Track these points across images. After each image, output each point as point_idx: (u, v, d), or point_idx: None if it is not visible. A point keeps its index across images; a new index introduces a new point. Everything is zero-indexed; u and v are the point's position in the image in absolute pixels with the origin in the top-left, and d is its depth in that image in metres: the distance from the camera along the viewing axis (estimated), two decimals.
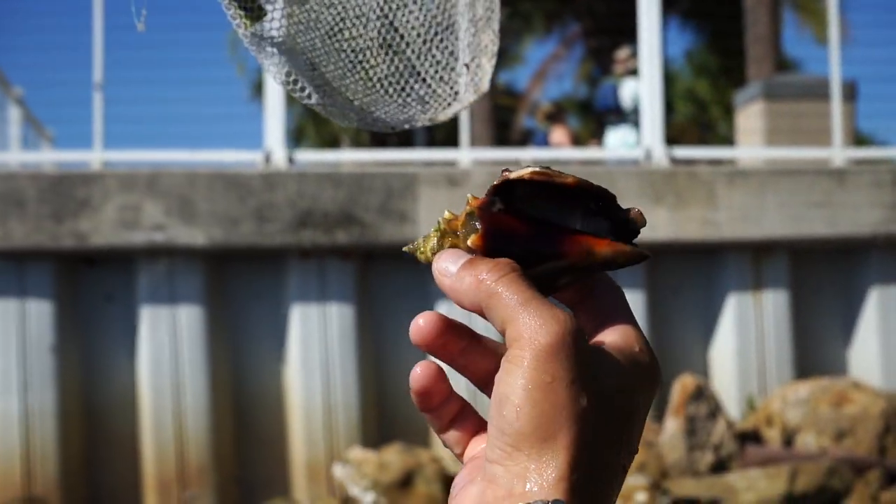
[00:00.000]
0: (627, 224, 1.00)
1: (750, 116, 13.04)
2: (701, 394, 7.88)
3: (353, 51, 1.89)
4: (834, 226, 8.92)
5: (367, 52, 1.90)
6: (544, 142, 14.99)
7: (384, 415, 8.66)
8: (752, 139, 12.77)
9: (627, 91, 13.11)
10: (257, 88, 27.27)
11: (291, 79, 1.83)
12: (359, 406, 8.51)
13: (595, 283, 1.01)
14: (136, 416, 8.39)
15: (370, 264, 8.69)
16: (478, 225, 0.98)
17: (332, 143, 28.16)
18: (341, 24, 1.89)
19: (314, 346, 8.49)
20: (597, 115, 15.35)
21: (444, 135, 16.84)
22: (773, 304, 9.01)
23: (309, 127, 30.10)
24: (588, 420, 0.89)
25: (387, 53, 1.91)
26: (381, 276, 8.69)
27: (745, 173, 9.21)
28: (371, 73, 1.93)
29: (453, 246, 1.00)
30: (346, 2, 1.90)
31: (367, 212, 8.37)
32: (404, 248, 1.07)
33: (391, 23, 1.93)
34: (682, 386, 7.91)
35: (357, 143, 26.62)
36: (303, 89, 1.84)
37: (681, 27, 31.88)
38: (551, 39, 33.11)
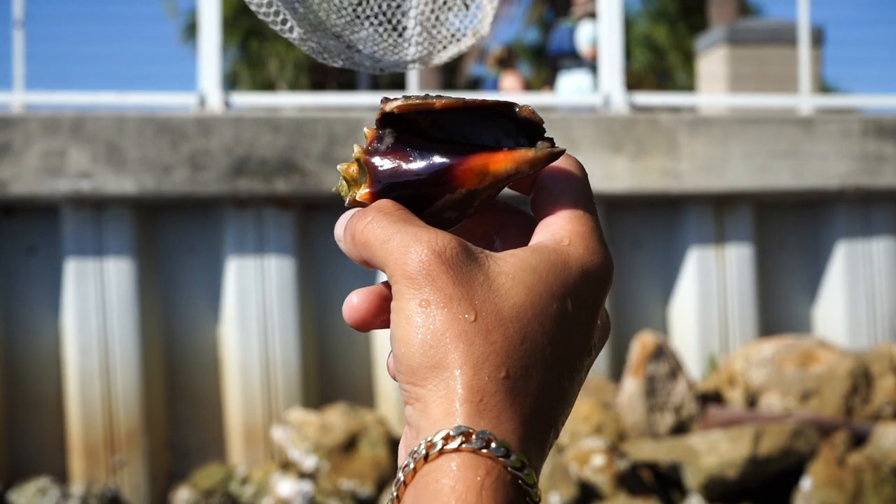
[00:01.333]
0: (527, 126, 0.96)
1: (712, 62, 13.06)
2: (661, 352, 7.90)
3: None
4: (800, 177, 8.95)
5: None
6: (495, 88, 14.96)
7: (326, 374, 8.63)
8: (715, 86, 12.80)
9: (585, 34, 13.06)
10: (190, 30, 27.04)
11: (273, 9, 1.78)
12: (299, 365, 8.46)
13: (538, 180, 0.98)
14: (61, 377, 8.30)
15: (311, 215, 8.62)
16: (364, 175, 0.98)
17: (268, 88, 27.98)
18: None
19: (251, 302, 8.43)
20: (550, 60, 15.29)
21: (390, 79, 16.75)
22: (736, 259, 9.04)
23: (243, 71, 29.89)
24: (481, 334, 0.86)
25: None
26: (323, 228, 8.62)
27: (708, 121, 9.21)
28: (363, 7, 1.89)
29: (352, 198, 0.99)
30: None
31: (308, 159, 8.30)
32: (333, 189, 1.06)
33: None
34: (641, 344, 7.93)
35: (295, 88, 26.47)
36: (284, 21, 1.79)
37: None
38: None
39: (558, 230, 0.94)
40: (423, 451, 0.84)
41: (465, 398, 0.85)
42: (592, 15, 12.31)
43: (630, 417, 7.85)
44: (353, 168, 0.99)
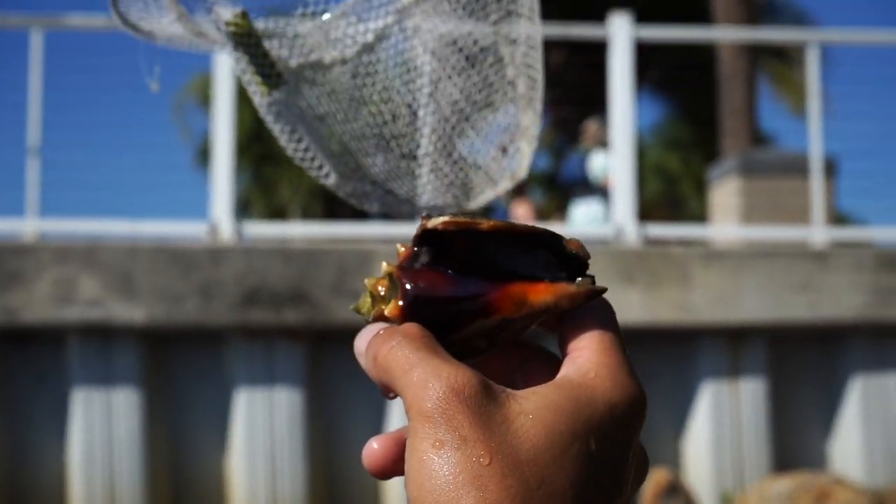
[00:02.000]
0: (571, 260, 0.95)
1: (725, 193, 13.11)
2: (674, 489, 7.83)
3: (382, 128, 1.87)
4: (815, 310, 8.94)
5: (398, 131, 1.88)
6: (505, 215, 15.02)
7: None
8: (728, 217, 12.84)
9: (596, 163, 13.16)
10: (202, 154, 27.29)
11: (309, 155, 1.80)
12: (306, 498, 8.40)
13: (564, 314, 0.96)
14: None
15: (321, 346, 8.62)
16: (394, 290, 0.96)
17: (279, 214, 28.14)
18: (370, 98, 1.87)
19: (260, 434, 8.39)
20: (562, 188, 15.38)
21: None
22: (750, 393, 9.00)
23: (256, 196, 30.09)
24: (496, 478, 0.83)
25: (417, 133, 1.89)
26: (333, 359, 8.61)
27: (721, 254, 9.23)
28: (400, 152, 1.90)
29: (379, 313, 0.97)
30: (376, 75, 1.88)
31: (318, 290, 8.32)
32: (352, 307, 1.05)
33: (429, 97, 1.91)
34: (654, 481, 7.86)
35: (307, 214, 26.62)
36: (320, 167, 1.81)
37: (651, 99, 32.17)
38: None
39: (584, 363, 0.91)
40: None
41: None
42: (604, 143, 12.42)
43: None
44: (382, 285, 0.97)
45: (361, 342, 0.95)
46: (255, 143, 25.52)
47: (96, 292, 8.12)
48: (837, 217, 14.49)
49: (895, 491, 8.40)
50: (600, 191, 12.87)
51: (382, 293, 0.97)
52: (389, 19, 1.88)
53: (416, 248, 0.95)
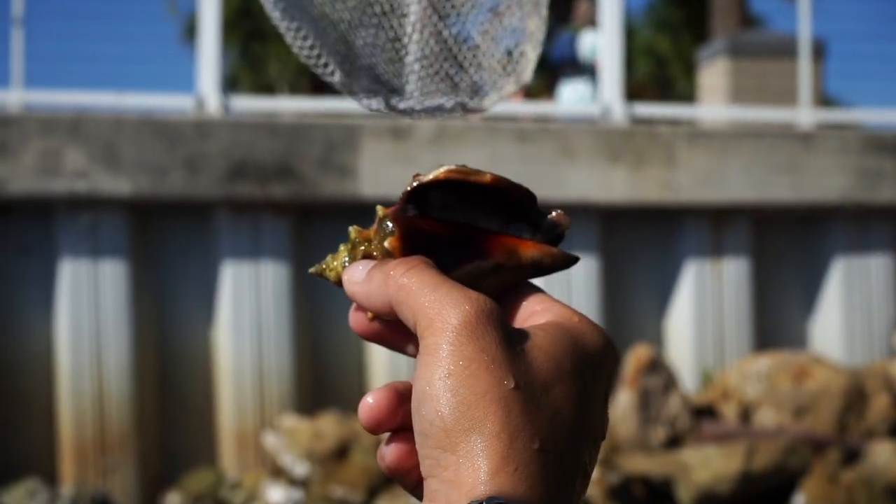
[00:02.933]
0: (552, 228, 0.98)
1: (713, 74, 13.07)
2: (655, 365, 7.91)
3: (388, 26, 1.85)
4: (799, 191, 8.96)
5: (404, 29, 1.86)
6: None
7: (319, 381, 8.63)
8: (715, 98, 12.81)
9: (586, 43, 13.03)
10: (190, 30, 27.03)
11: (315, 52, 1.78)
12: (292, 371, 8.47)
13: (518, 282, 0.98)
14: (53, 378, 8.30)
15: (308, 220, 8.62)
16: (392, 227, 0.96)
17: (267, 91, 27.99)
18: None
19: (246, 307, 8.44)
20: (551, 68, 15.28)
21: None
22: (733, 273, 9.05)
23: (244, 73, 29.90)
24: (519, 402, 0.84)
25: (423, 32, 1.87)
26: (319, 234, 8.62)
27: (708, 134, 9.22)
28: (405, 52, 1.88)
29: (367, 254, 0.97)
30: None
31: (305, 164, 8.30)
32: (311, 270, 1.04)
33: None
34: (635, 357, 7.94)
35: (295, 91, 26.48)
36: (325, 65, 1.79)
37: None
38: None
39: (561, 311, 0.93)
40: None
41: (499, 467, 0.82)
42: (594, 23, 12.31)
43: (623, 430, 7.86)
44: (370, 231, 0.97)
45: (357, 272, 0.95)
46: (243, 20, 25.28)
47: (82, 164, 8.10)
48: (825, 100, 14.47)
49: (873, 371, 8.50)
50: (589, 71, 12.78)
51: (370, 237, 0.97)
52: None
53: (406, 205, 0.96)
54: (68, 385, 8.25)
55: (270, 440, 7.95)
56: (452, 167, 0.95)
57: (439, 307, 0.86)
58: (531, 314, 0.94)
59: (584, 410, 0.88)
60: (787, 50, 11.62)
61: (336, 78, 1.80)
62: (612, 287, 8.93)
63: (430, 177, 0.94)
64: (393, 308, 0.90)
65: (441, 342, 0.85)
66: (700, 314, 8.99)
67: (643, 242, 9.07)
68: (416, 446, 0.86)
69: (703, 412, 8.18)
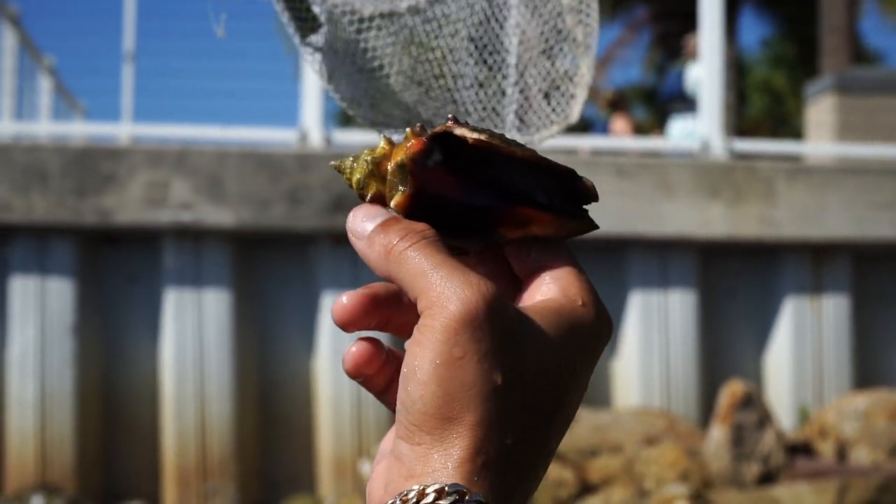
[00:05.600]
0: (580, 195, 0.96)
1: (820, 110, 12.97)
2: (750, 401, 7.87)
3: (437, 68, 1.91)
4: None
5: (454, 68, 1.92)
6: (604, 130, 14.97)
7: None
8: (822, 134, 12.70)
9: (692, 76, 12.96)
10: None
11: (347, 97, 1.84)
12: None
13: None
14: (157, 404, 8.47)
15: None
16: (405, 180, 0.94)
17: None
18: (438, 45, 1.92)
19: (345, 336, 8.52)
20: (661, 104, 15.25)
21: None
22: (832, 310, 8.96)
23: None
24: (501, 399, 0.85)
25: (476, 76, 1.93)
26: None
27: (808, 170, 9.16)
28: (456, 94, 1.94)
29: (378, 193, 0.96)
30: (446, 24, 1.92)
31: None
32: (331, 163, 1.03)
33: (484, 45, 1.95)
34: (729, 392, 7.90)
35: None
36: (359, 105, 1.85)
37: (756, 15, 31.63)
38: (616, 24, 32.91)
39: (570, 287, 0.93)
40: (414, 499, 0.83)
41: (468, 458, 0.84)
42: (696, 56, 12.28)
43: (716, 465, 7.82)
44: (387, 166, 0.95)
45: (360, 224, 0.95)
46: None
47: (187, 195, 8.29)
48: None
49: None
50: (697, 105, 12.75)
51: (385, 175, 0.96)
52: None
53: (429, 144, 0.94)
54: (172, 411, 8.41)
55: (367, 468, 8.02)
56: (485, 135, 0.92)
57: (439, 291, 0.87)
58: (538, 280, 0.94)
59: (566, 402, 0.90)
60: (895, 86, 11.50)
61: (367, 117, 1.86)
62: (710, 322, 8.89)
63: (460, 132, 0.92)
64: (392, 279, 0.91)
65: (437, 327, 0.86)
66: (798, 351, 8.91)
67: (741, 278, 9.03)
68: (396, 407, 0.89)
69: (799, 449, 8.11)
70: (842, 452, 8.18)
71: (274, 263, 8.66)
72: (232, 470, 8.43)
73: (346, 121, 29.11)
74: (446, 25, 1.95)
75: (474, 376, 0.85)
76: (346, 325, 0.93)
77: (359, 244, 0.95)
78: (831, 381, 8.95)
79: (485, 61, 2.00)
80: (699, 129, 9.56)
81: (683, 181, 8.68)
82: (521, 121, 2.01)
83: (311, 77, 9.06)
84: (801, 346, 8.92)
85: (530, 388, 0.87)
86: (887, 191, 8.89)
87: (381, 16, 1.89)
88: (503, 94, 1.97)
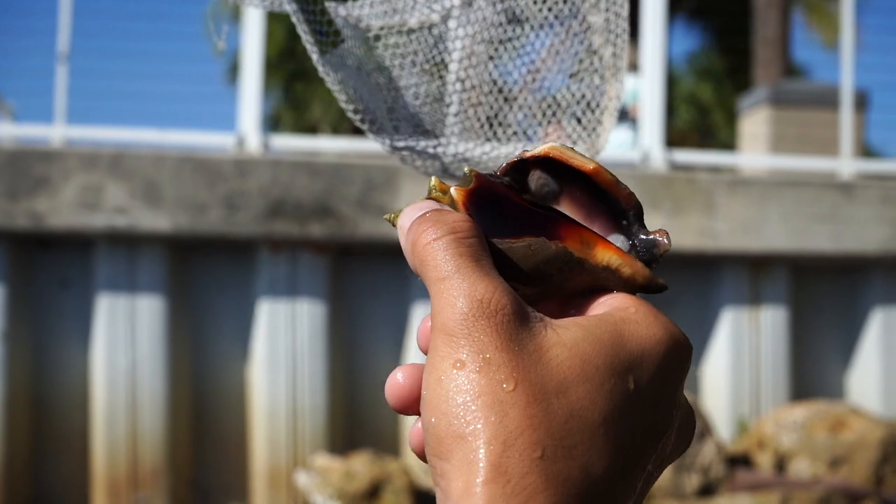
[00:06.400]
0: (649, 248, 0.91)
1: (755, 122, 13.04)
2: None
3: (457, 88, 1.85)
4: (838, 241, 8.91)
5: (476, 91, 1.87)
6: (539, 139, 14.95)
7: (353, 421, 8.62)
8: (757, 146, 12.77)
9: (629, 88, 13.00)
10: (234, 70, 27.22)
11: (367, 116, 1.78)
12: (326, 410, 8.46)
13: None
14: (88, 412, 8.32)
15: (345, 260, 8.64)
16: (469, 177, 0.89)
17: (310, 131, 28.10)
18: (446, 60, 1.86)
19: (281, 345, 8.44)
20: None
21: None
22: (770, 322, 9.00)
23: (287, 113, 30.05)
24: (519, 406, 0.76)
25: (496, 96, 1.87)
26: (356, 273, 8.64)
27: (747, 182, 9.19)
28: (476, 116, 1.88)
29: (436, 195, 0.91)
30: (457, 40, 1.86)
31: (344, 204, 8.32)
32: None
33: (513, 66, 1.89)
34: None
35: (337, 133, 26.57)
36: (373, 123, 1.79)
37: (687, 27, 31.92)
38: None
39: (624, 299, 0.86)
40: None
41: (489, 478, 0.74)
42: (634, 67, 12.31)
43: None
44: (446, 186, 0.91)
45: (406, 219, 0.89)
46: (286, 61, 25.43)
47: (122, 200, 8.15)
48: (866, 151, 14.40)
49: None
50: (629, 117, 12.78)
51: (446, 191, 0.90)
52: None
53: (503, 175, 0.89)
54: (102, 419, 8.27)
55: (302, 479, 7.93)
56: (556, 145, 0.88)
57: (442, 300, 0.80)
58: (592, 307, 0.88)
59: (622, 415, 0.80)
60: (829, 100, 11.59)
61: (385, 140, 1.79)
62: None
63: (533, 153, 0.88)
64: (420, 277, 0.86)
65: (437, 343, 0.80)
66: (737, 362, 8.93)
67: (681, 289, 9.03)
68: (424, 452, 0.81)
69: (738, 461, 8.11)
70: (780, 464, 8.19)
71: (210, 270, 8.55)
72: (164, 479, 8.29)
73: (274, 127, 28.97)
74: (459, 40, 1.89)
75: (480, 386, 0.77)
76: (402, 405, 0.85)
77: (401, 235, 0.89)
78: (769, 393, 8.98)
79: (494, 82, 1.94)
80: (642, 141, 9.56)
81: None
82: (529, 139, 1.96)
83: (250, 82, 8.96)
84: (739, 357, 8.95)
85: (560, 397, 0.78)
86: (825, 203, 8.94)
87: (393, 30, 1.82)
88: (530, 110, 1.91)
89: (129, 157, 8.26)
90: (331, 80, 1.77)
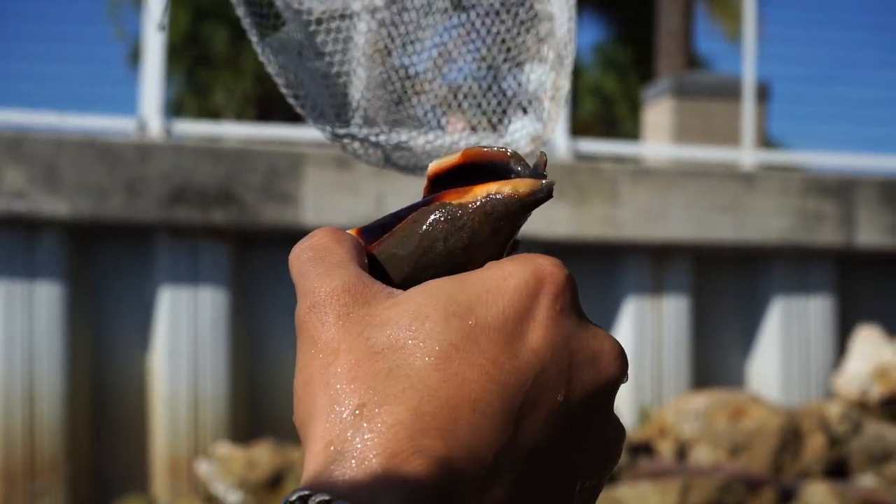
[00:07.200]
0: (530, 167, 0.83)
1: (658, 113, 13.13)
2: None
3: (400, 76, 1.82)
4: (740, 231, 9.00)
5: (417, 77, 1.83)
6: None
7: (255, 409, 8.55)
8: (660, 136, 12.86)
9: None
10: (136, 54, 26.91)
11: (307, 103, 1.74)
12: (228, 399, 8.39)
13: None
14: None
15: (248, 247, 8.57)
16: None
17: (214, 117, 27.87)
18: (389, 46, 1.82)
19: (182, 333, 8.35)
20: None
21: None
22: (672, 310, 9.07)
23: (190, 99, 29.76)
24: (343, 375, 0.71)
25: (437, 82, 1.84)
26: (259, 261, 8.57)
27: (651, 172, 9.26)
28: (415, 104, 1.84)
29: None
30: (402, 25, 1.82)
31: (247, 191, 8.25)
32: None
33: (448, 52, 1.86)
34: None
35: (241, 119, 26.38)
36: (314, 110, 1.75)
37: (590, 19, 32.07)
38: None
39: (502, 261, 0.78)
40: None
41: (321, 448, 0.70)
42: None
43: None
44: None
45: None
46: (190, 47, 25.18)
47: (21, 184, 8.01)
48: (768, 142, 14.58)
49: (809, 411, 8.53)
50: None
51: None
52: None
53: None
54: None
55: (204, 468, 7.86)
56: (470, 147, 0.83)
57: (300, 288, 0.77)
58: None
59: (463, 349, 0.71)
60: (731, 91, 11.70)
61: (326, 131, 1.76)
62: None
63: (443, 164, 0.84)
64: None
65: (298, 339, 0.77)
66: (639, 351, 8.99)
67: (584, 278, 9.06)
68: None
69: (640, 449, 8.17)
70: (682, 452, 8.26)
71: (110, 256, 8.43)
72: (62, 469, 8.17)
73: (177, 113, 28.68)
74: (402, 25, 1.85)
75: (308, 368, 0.74)
76: None
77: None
78: (671, 381, 9.05)
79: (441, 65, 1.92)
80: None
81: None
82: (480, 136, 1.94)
83: (151, 65, 8.84)
84: (642, 345, 9.01)
85: (388, 351, 0.72)
86: (727, 193, 9.03)
87: (334, 16, 1.78)
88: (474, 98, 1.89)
89: (28, 140, 8.12)
90: (271, 64, 1.73)
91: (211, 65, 26.66)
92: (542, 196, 0.82)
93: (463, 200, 0.80)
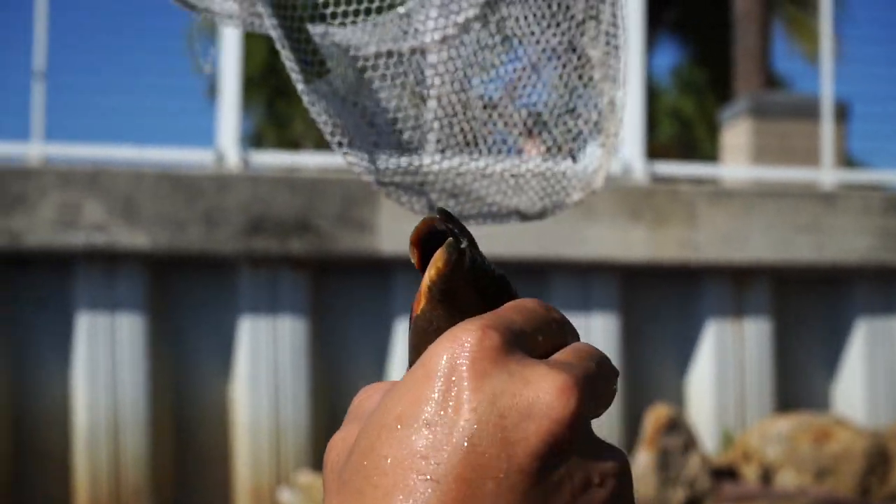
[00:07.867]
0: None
1: (736, 134, 13.01)
2: (675, 425, 7.81)
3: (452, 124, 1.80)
4: (821, 252, 8.88)
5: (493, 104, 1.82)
6: (515, 152, 14.94)
7: None
8: (738, 157, 12.74)
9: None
10: (214, 86, 27.17)
11: (353, 149, 1.73)
12: (309, 427, 8.40)
13: None
14: (69, 433, 8.24)
15: (326, 275, 8.59)
16: None
17: (292, 148, 28.06)
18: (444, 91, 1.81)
19: (263, 362, 8.38)
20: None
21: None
22: (754, 333, 8.96)
23: (269, 130, 30.00)
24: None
25: (489, 135, 1.83)
26: (336, 289, 8.58)
27: (729, 193, 9.16)
28: (493, 131, 1.83)
29: None
30: (454, 70, 1.81)
31: (324, 219, 8.27)
32: None
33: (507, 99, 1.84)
34: (654, 416, 7.83)
35: (320, 149, 26.51)
36: (360, 157, 1.73)
37: (667, 42, 31.93)
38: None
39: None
40: None
41: None
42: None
43: (642, 491, 7.75)
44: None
45: None
46: (268, 78, 25.38)
47: (100, 217, 8.09)
48: (848, 161, 14.39)
49: (895, 433, 8.39)
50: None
51: None
52: (471, 13, 1.81)
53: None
54: (84, 439, 8.19)
55: (286, 496, 7.87)
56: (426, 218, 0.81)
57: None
58: None
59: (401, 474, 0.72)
60: (809, 111, 11.57)
61: (370, 174, 1.74)
62: (632, 346, 8.84)
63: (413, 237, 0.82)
64: None
65: None
66: (721, 374, 8.89)
67: (664, 301, 8.99)
68: None
69: (724, 473, 8.06)
70: (766, 476, 8.14)
71: (190, 287, 8.48)
72: (147, 499, 8.23)
73: (257, 145, 28.92)
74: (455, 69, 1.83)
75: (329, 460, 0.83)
76: None
77: None
78: (753, 404, 8.93)
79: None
80: (622, 153, 9.52)
81: (605, 204, 8.62)
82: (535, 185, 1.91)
83: (228, 97, 8.90)
84: (724, 369, 8.90)
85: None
86: (807, 214, 8.91)
87: (387, 55, 1.76)
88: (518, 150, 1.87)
89: (107, 174, 8.20)
90: (315, 110, 1.71)
91: (289, 96, 26.86)
92: (455, 256, 0.79)
93: (416, 310, 0.80)
